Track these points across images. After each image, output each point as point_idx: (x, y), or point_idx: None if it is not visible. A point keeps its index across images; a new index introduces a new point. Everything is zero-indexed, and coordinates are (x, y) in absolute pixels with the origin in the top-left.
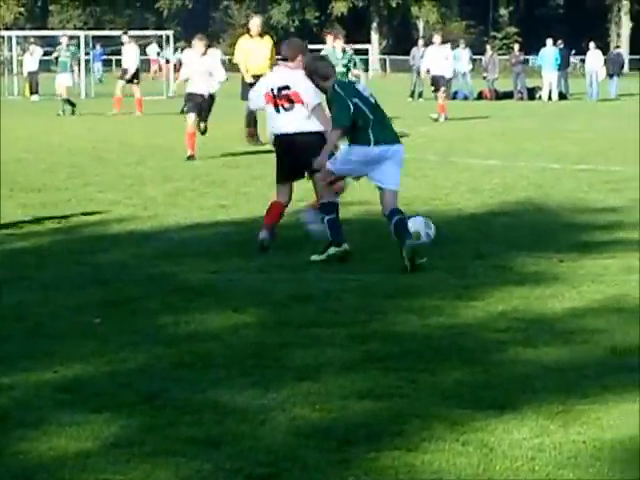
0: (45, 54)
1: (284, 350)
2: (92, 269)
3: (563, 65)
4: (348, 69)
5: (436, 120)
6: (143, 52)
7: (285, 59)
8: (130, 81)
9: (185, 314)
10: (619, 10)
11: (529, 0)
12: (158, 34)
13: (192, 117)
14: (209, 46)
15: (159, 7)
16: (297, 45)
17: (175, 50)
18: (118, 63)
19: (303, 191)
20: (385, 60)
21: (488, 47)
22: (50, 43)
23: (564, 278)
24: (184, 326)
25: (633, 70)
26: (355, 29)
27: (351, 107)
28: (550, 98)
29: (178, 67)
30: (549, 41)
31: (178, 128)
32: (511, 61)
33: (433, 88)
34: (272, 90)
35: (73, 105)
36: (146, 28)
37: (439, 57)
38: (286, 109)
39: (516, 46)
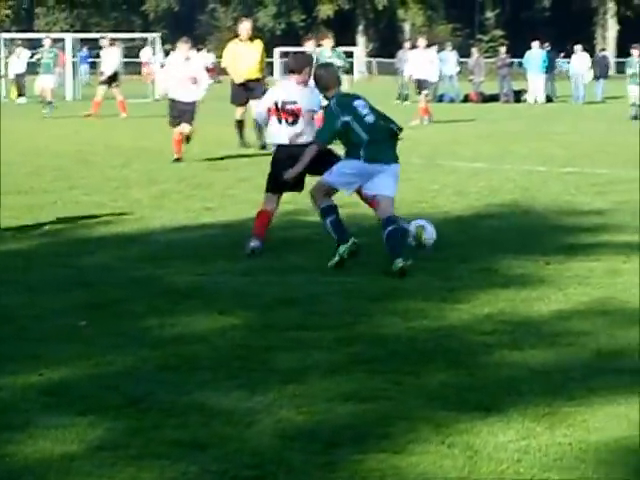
0: (32, 56)
1: (270, 353)
2: (78, 272)
3: (549, 68)
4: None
5: (423, 122)
6: (137, 55)
7: (292, 71)
8: (109, 84)
9: (171, 316)
10: (605, 13)
11: (515, 3)
12: (144, 37)
13: (177, 129)
14: (199, 49)
15: (145, 10)
16: (303, 58)
17: (167, 53)
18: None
19: (290, 194)
20: (371, 63)
21: (474, 50)
22: (36, 45)
23: (550, 280)
24: (170, 329)
25: (619, 73)
26: (341, 32)
27: (338, 125)
28: (536, 101)
29: None
30: (535, 44)
31: (164, 131)
32: (497, 64)
33: (418, 91)
34: (276, 104)
35: (50, 110)
36: (132, 31)
37: (424, 61)
38: (289, 123)
39: (502, 49)
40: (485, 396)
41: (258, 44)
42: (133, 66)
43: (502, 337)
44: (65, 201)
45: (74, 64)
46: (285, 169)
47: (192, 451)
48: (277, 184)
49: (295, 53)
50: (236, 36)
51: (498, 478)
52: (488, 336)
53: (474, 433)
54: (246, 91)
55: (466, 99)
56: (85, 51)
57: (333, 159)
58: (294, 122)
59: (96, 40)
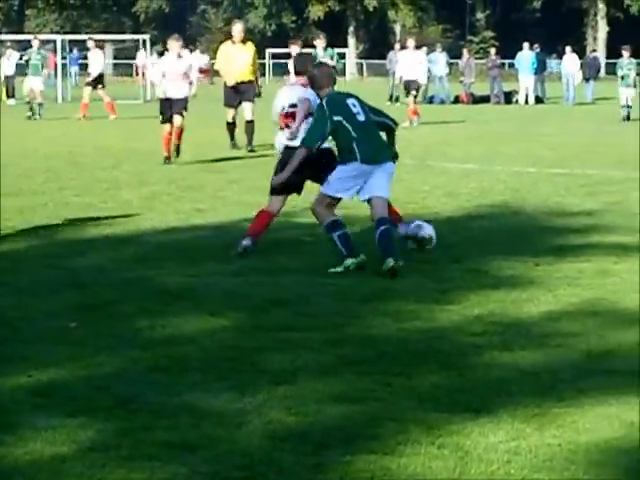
0: (20, 58)
1: (260, 354)
2: (68, 273)
3: (539, 69)
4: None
5: (413, 124)
6: (127, 56)
7: (299, 73)
8: (94, 86)
9: (161, 318)
10: (595, 14)
11: (506, 4)
12: (135, 38)
13: (168, 127)
14: (192, 50)
15: (136, 11)
16: (307, 59)
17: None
18: None
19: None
20: (362, 64)
21: (465, 51)
22: (26, 47)
23: (540, 282)
24: (160, 330)
25: (609, 74)
26: (332, 33)
27: (327, 126)
28: (527, 102)
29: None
30: (526, 45)
31: (154, 132)
32: (488, 65)
33: (407, 92)
34: (283, 109)
35: (33, 113)
36: (123, 32)
37: (413, 62)
38: (290, 126)
39: (493, 50)
40: (475, 397)
41: (250, 46)
42: (124, 67)
43: (492, 338)
44: (56, 203)
45: (64, 66)
46: (296, 170)
47: (182, 452)
48: (283, 186)
49: (299, 54)
50: (228, 38)
51: (488, 479)
52: (478, 337)
53: (464, 434)
54: (238, 93)
55: (456, 100)
56: (75, 52)
57: (332, 163)
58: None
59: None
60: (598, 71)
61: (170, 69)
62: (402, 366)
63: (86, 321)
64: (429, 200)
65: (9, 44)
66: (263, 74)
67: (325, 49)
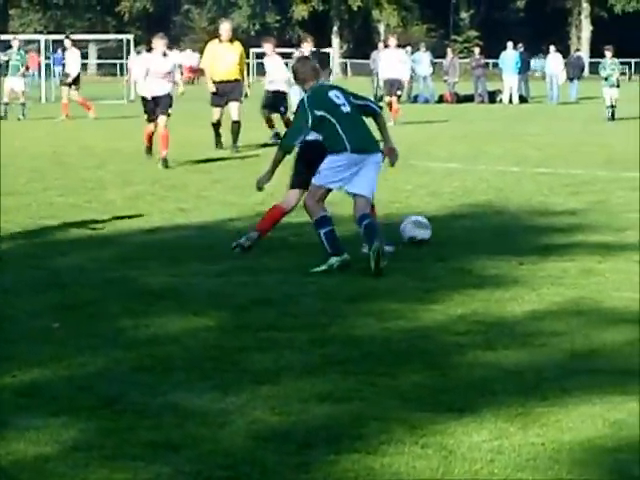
0: None
1: (243, 354)
2: (51, 273)
3: (523, 68)
4: None
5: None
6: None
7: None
8: (69, 85)
9: (145, 318)
10: (579, 14)
11: (490, 4)
12: (118, 38)
13: (151, 127)
14: (182, 50)
15: (120, 11)
16: (321, 58)
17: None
18: None
19: (265, 195)
20: (346, 64)
21: (449, 50)
22: (8, 47)
23: (524, 281)
24: (144, 330)
25: (593, 73)
26: (316, 33)
27: (308, 122)
28: (511, 101)
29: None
30: (509, 44)
31: (138, 132)
32: (472, 64)
33: (385, 91)
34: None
35: (5, 114)
36: (107, 32)
37: (395, 60)
38: None
39: (477, 49)
40: (459, 396)
41: (238, 45)
42: (107, 67)
43: (476, 338)
44: (40, 202)
45: (48, 66)
46: (311, 164)
47: (166, 452)
48: (305, 178)
49: (313, 53)
50: (212, 37)
51: (472, 478)
52: (462, 337)
53: (448, 433)
54: (225, 93)
55: (441, 100)
56: (59, 53)
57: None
58: None
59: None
60: (582, 70)
61: (154, 68)
62: (386, 366)
63: (69, 321)
64: (413, 199)
65: None
66: (248, 73)
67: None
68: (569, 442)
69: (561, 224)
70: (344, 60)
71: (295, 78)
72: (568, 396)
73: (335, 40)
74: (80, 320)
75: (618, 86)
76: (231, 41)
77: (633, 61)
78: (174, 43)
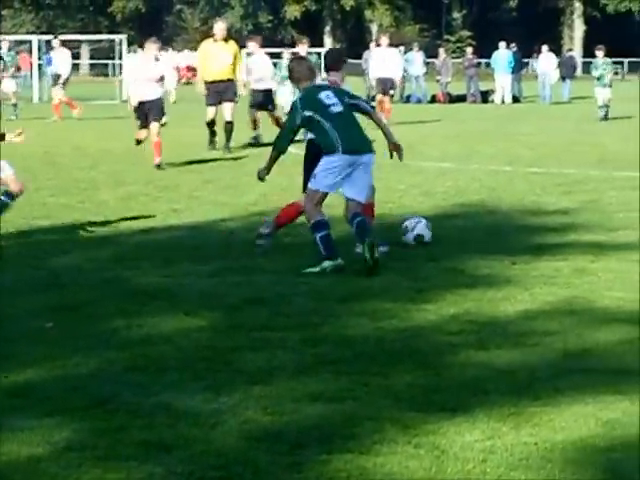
0: None
1: (236, 354)
2: (45, 273)
3: (516, 68)
4: None
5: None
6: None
7: (331, 69)
8: (55, 84)
9: (138, 318)
10: (572, 13)
11: (482, 3)
12: (111, 38)
13: (143, 133)
14: (180, 50)
15: (112, 11)
16: (339, 54)
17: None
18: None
19: (257, 195)
20: None
21: (441, 50)
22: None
23: (516, 280)
24: (137, 330)
25: (586, 73)
26: (309, 33)
27: (297, 123)
28: (503, 101)
29: None
30: (502, 44)
31: (131, 132)
32: (464, 64)
33: (377, 90)
34: None
35: None
36: (99, 32)
37: (387, 59)
38: None
39: (469, 49)
40: (451, 396)
41: (232, 45)
42: (100, 67)
43: (468, 337)
44: (32, 203)
45: (40, 66)
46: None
47: (158, 452)
48: None
49: (331, 49)
50: (204, 37)
51: (464, 478)
52: (455, 336)
53: (440, 433)
54: (219, 92)
55: (433, 99)
56: (52, 53)
57: None
58: None
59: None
60: (574, 70)
61: (145, 73)
62: (379, 365)
63: (63, 321)
64: (405, 199)
65: None
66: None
67: (308, 53)
68: (562, 442)
69: (554, 223)
70: None
71: (290, 77)
72: (561, 395)
73: (328, 40)
74: (74, 320)
75: (610, 86)
76: (225, 40)
77: (626, 60)
78: (167, 43)
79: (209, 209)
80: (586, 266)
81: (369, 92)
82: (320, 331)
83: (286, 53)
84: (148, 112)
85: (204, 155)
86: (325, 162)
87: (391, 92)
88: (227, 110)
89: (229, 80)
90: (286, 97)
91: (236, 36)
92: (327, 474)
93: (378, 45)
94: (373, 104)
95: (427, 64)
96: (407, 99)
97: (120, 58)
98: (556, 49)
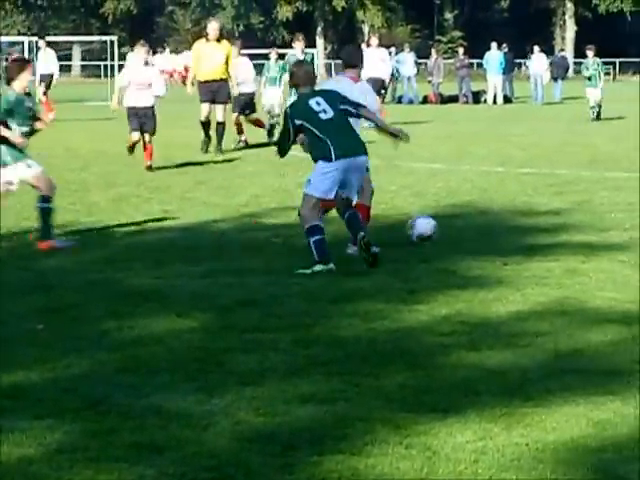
0: None
1: (228, 355)
2: (35, 275)
3: (508, 69)
4: None
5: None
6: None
7: (349, 66)
8: (47, 85)
9: (129, 319)
10: (564, 14)
11: (474, 4)
12: (102, 39)
13: (136, 135)
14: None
15: (104, 12)
16: (358, 52)
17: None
18: (62, 68)
19: (248, 196)
20: (331, 65)
21: (433, 51)
22: None
23: (508, 281)
24: (128, 331)
25: (578, 73)
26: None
27: (291, 129)
28: (495, 102)
29: None
30: (494, 45)
31: (123, 134)
32: (456, 65)
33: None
34: None
35: None
36: (91, 34)
37: (376, 59)
38: None
39: (461, 50)
40: (443, 397)
41: (225, 45)
42: (91, 69)
43: (460, 338)
44: (24, 204)
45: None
46: None
47: (150, 454)
48: None
49: (348, 47)
50: (196, 39)
51: (456, 479)
52: (446, 337)
53: (432, 434)
54: (212, 92)
55: (425, 100)
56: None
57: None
58: None
59: (56, 43)
60: (566, 70)
61: (135, 78)
62: (370, 366)
63: (54, 323)
64: (397, 200)
65: None
66: None
67: (303, 51)
68: (553, 442)
69: (545, 224)
70: (328, 61)
71: (290, 79)
72: (552, 396)
73: (319, 41)
74: (65, 322)
75: (601, 86)
76: (218, 40)
77: (617, 61)
78: (158, 44)
79: (201, 210)
80: (577, 267)
81: None
82: (312, 332)
83: (273, 53)
84: (142, 120)
85: (196, 156)
86: (320, 168)
87: (382, 92)
88: (219, 111)
89: (222, 80)
90: (273, 99)
91: (227, 37)
92: (319, 475)
93: (368, 45)
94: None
95: (419, 65)
96: (399, 100)
97: (112, 59)
98: (548, 50)
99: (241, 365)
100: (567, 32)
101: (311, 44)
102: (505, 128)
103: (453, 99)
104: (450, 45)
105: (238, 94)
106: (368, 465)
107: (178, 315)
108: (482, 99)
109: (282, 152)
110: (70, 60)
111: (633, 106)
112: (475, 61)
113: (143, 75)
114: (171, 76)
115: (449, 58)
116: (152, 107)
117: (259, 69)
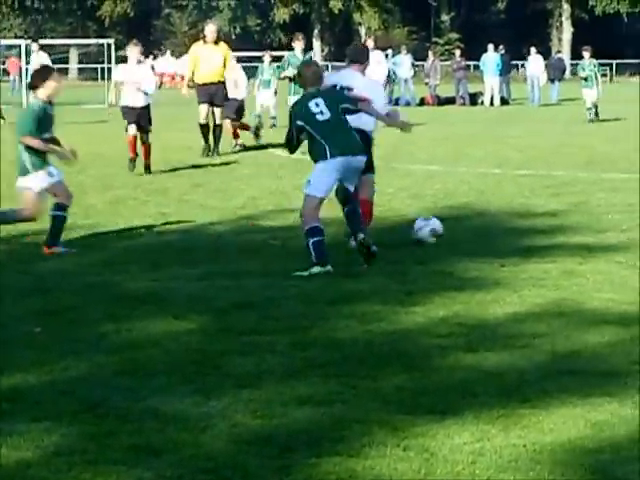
0: None
1: (225, 357)
2: (33, 278)
3: (504, 70)
4: None
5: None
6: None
7: (353, 61)
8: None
9: (126, 322)
10: (560, 15)
11: (470, 6)
12: (100, 42)
13: (133, 128)
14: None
15: (101, 15)
16: (363, 50)
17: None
18: (59, 71)
19: (245, 199)
20: (327, 67)
21: (430, 53)
22: None
23: (505, 283)
24: (125, 334)
25: (574, 75)
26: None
27: (294, 129)
28: (492, 103)
29: None
30: (490, 46)
31: (119, 136)
32: (453, 67)
33: None
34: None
35: None
36: (88, 36)
37: (372, 62)
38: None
39: (457, 52)
40: (440, 399)
41: (223, 47)
42: (88, 72)
43: (457, 340)
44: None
45: (28, 70)
46: None
47: (147, 456)
48: None
49: (354, 44)
50: (193, 41)
51: None
52: (443, 339)
53: (429, 436)
54: (210, 94)
55: (422, 102)
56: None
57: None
58: None
59: (52, 46)
60: (563, 72)
61: (129, 77)
62: (367, 368)
63: (51, 326)
64: (394, 202)
65: None
66: None
67: (303, 51)
68: (550, 443)
69: (542, 226)
70: (325, 63)
71: (298, 78)
72: (549, 397)
73: (316, 43)
74: (62, 325)
75: (597, 87)
76: (216, 43)
77: (614, 62)
78: (155, 47)
79: (198, 213)
80: (575, 268)
81: None
82: (309, 334)
83: (267, 56)
84: (139, 119)
85: (193, 159)
86: (319, 168)
87: None
88: (217, 114)
89: (219, 82)
90: (267, 101)
91: (224, 39)
92: (316, 477)
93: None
94: None
95: (416, 67)
96: (396, 102)
97: (109, 62)
98: (545, 51)
99: (238, 367)
100: (564, 34)
101: (308, 46)
102: (502, 130)
103: (450, 101)
104: (447, 47)
105: (232, 99)
106: (366, 467)
107: (175, 318)
108: (479, 101)
109: (291, 149)
110: (67, 63)
111: (630, 107)
112: (472, 63)
113: (136, 74)
114: (172, 79)
115: (446, 60)
116: (147, 106)
117: (253, 72)
